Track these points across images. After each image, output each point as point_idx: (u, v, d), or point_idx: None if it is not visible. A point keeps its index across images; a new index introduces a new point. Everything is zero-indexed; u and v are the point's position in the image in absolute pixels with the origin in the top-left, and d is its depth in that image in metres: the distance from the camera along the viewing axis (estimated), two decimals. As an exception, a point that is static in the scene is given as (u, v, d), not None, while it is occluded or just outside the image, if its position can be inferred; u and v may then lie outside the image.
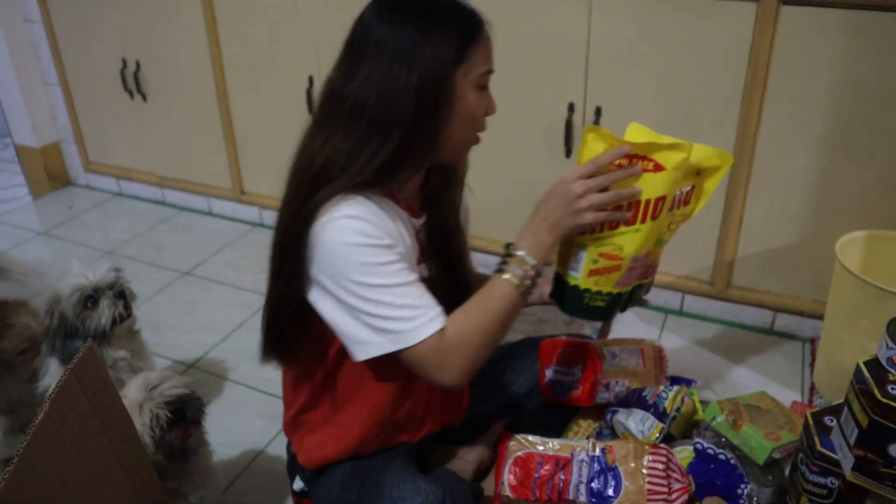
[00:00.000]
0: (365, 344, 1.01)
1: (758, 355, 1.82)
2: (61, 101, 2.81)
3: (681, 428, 1.37)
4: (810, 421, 1.16)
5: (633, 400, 1.35)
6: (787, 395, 1.64)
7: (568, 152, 1.89)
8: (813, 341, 1.84)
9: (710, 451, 1.29)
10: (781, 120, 1.66)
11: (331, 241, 0.98)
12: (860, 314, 1.46)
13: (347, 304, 1.00)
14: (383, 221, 1.02)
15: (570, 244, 1.07)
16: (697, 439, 1.32)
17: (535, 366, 1.52)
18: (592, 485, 1.19)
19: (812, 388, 1.67)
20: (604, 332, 1.89)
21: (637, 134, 1.08)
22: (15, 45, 2.69)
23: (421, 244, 1.16)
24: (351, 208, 0.99)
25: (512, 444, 1.27)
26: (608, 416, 1.37)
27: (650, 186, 1.02)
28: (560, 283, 1.10)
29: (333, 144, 1.02)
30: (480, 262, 1.97)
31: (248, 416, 1.68)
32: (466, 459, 1.36)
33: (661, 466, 1.19)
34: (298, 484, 1.30)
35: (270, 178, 2.51)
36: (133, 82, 2.57)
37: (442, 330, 0.99)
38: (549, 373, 1.48)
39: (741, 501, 1.22)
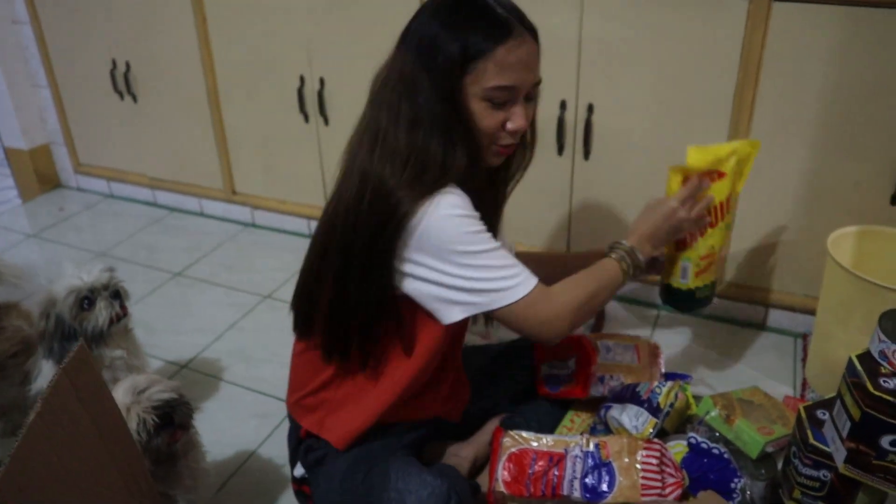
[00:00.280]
0: (466, 305, 1.08)
1: (750, 351, 1.83)
2: (51, 103, 2.80)
3: (674, 423, 1.38)
4: (803, 415, 1.17)
5: (627, 395, 1.36)
6: (780, 390, 1.65)
7: (560, 149, 1.89)
8: (805, 336, 1.84)
9: (703, 446, 1.29)
10: (773, 117, 1.67)
11: (434, 216, 1.04)
12: (852, 309, 1.47)
13: (450, 274, 1.06)
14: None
15: (674, 260, 1.37)
16: (691, 434, 1.32)
17: (531, 363, 1.52)
18: (586, 480, 1.19)
19: (804, 383, 1.68)
20: (597, 326, 1.90)
21: (697, 154, 1.30)
22: (3, 46, 2.67)
23: None
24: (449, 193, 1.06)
25: (506, 440, 1.28)
26: (602, 412, 1.37)
27: (719, 191, 1.31)
28: (670, 290, 1.40)
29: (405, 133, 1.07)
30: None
31: (242, 416, 1.67)
32: (461, 456, 1.36)
33: (654, 461, 1.20)
34: (300, 470, 1.30)
35: (262, 178, 2.50)
36: (123, 83, 2.56)
37: (542, 284, 1.10)
38: (544, 368, 1.49)
39: (734, 495, 1.23)
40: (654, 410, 1.29)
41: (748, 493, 1.24)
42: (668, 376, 1.53)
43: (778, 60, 1.61)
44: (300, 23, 2.13)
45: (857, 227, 1.59)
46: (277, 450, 1.56)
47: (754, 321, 1.93)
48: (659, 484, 1.18)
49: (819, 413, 1.16)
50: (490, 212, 1.20)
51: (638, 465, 1.20)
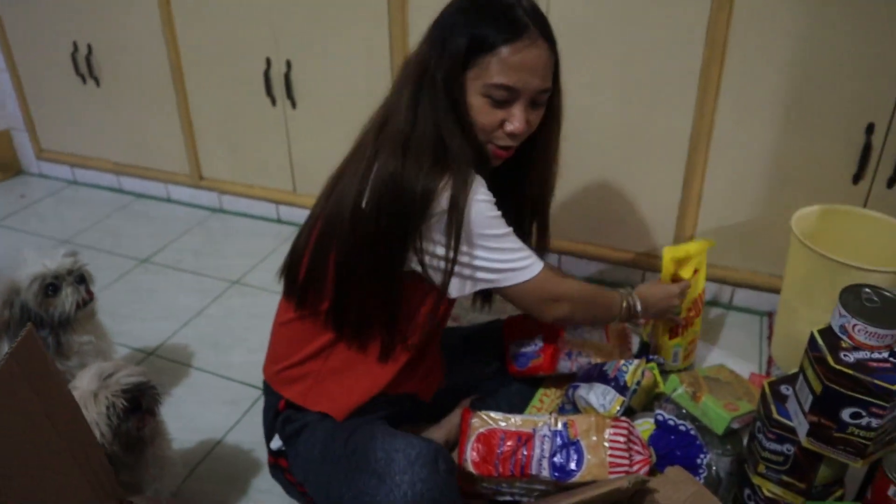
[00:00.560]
0: (480, 281, 1.16)
1: (717, 329, 1.85)
2: (10, 88, 2.73)
3: (642, 401, 1.39)
4: (767, 390, 1.18)
5: (595, 375, 1.36)
6: (746, 368, 1.67)
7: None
8: (770, 315, 1.87)
9: (670, 423, 1.31)
10: (738, 97, 1.68)
11: (468, 201, 1.08)
12: (815, 286, 1.49)
13: (472, 255, 1.13)
14: None
15: (667, 347, 1.59)
16: (658, 411, 1.34)
17: (500, 344, 1.53)
18: (555, 459, 1.19)
19: (770, 360, 1.70)
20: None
21: (672, 253, 1.51)
22: (-40, 29, 2.60)
23: None
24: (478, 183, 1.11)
25: (474, 420, 1.28)
26: (570, 392, 1.38)
27: (697, 285, 1.56)
28: (663, 372, 1.48)
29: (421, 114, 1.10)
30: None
31: (211, 402, 1.66)
32: (433, 437, 1.36)
33: (622, 439, 1.21)
34: (277, 443, 1.29)
35: (229, 162, 2.47)
36: (85, 67, 2.50)
37: (550, 267, 1.21)
38: (512, 347, 1.49)
39: (701, 471, 1.24)
40: (622, 389, 1.30)
41: (714, 468, 1.26)
42: (638, 356, 1.54)
43: (743, 41, 1.62)
44: (266, 4, 2.09)
45: (820, 206, 1.61)
46: (247, 435, 1.55)
47: (721, 300, 1.95)
48: (626, 461, 1.19)
49: (783, 388, 1.18)
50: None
51: (606, 444, 1.21)
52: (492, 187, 1.14)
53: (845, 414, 1.01)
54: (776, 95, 1.64)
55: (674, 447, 1.27)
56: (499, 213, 1.13)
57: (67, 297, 1.44)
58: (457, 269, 1.13)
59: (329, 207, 1.16)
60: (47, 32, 2.52)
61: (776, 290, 1.75)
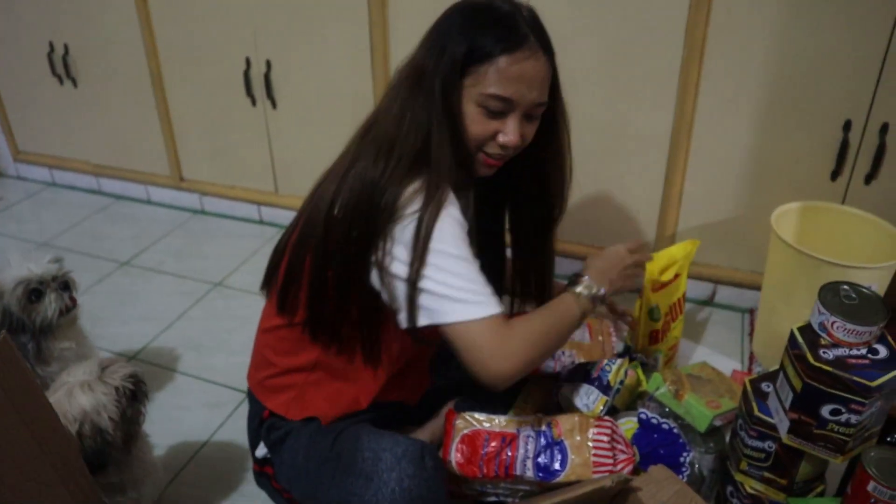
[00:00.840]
0: (423, 309, 1.02)
1: (699, 327, 1.86)
2: (-14, 89, 2.70)
3: (625, 400, 1.39)
4: (748, 387, 1.19)
5: (578, 374, 1.37)
6: (728, 365, 1.68)
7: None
8: (752, 311, 1.88)
9: (653, 421, 1.31)
10: (718, 95, 1.69)
11: (428, 214, 1.01)
12: (795, 283, 1.50)
13: (421, 275, 1.01)
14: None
15: (648, 352, 1.54)
16: (641, 410, 1.34)
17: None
18: (539, 459, 1.20)
19: (751, 357, 1.71)
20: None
21: (655, 260, 1.45)
22: (-67, 29, 2.56)
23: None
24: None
25: (459, 422, 1.28)
26: (553, 391, 1.38)
27: (679, 288, 1.55)
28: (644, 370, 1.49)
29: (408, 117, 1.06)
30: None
31: (194, 406, 1.64)
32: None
33: (605, 438, 1.21)
34: (262, 450, 1.28)
35: (210, 163, 2.45)
36: (62, 67, 2.47)
37: (505, 315, 1.03)
38: (496, 350, 1.48)
39: (684, 469, 1.25)
40: (605, 388, 1.30)
41: (697, 466, 1.26)
42: (621, 355, 1.55)
43: (722, 39, 1.62)
44: (245, 3, 2.08)
45: (800, 203, 1.62)
46: (231, 438, 1.54)
47: (703, 297, 1.96)
48: (611, 461, 1.19)
49: (763, 386, 1.18)
50: (480, 234, 1.18)
51: (590, 443, 1.21)
52: (486, 208, 1.12)
53: (825, 410, 1.02)
54: (755, 93, 1.65)
55: (657, 445, 1.28)
56: (465, 236, 1.05)
57: (51, 304, 1.43)
58: (404, 289, 1.03)
59: (308, 210, 1.14)
60: (23, 32, 2.49)
61: (757, 287, 1.77)
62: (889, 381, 0.98)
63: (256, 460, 1.32)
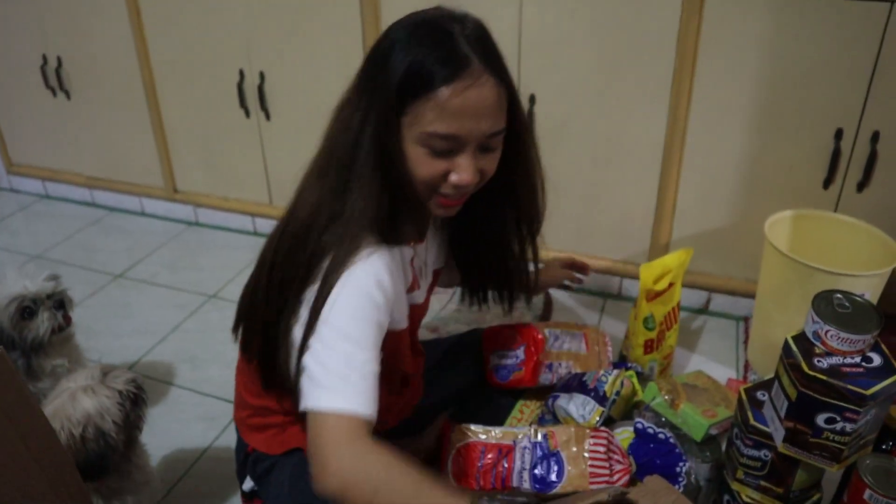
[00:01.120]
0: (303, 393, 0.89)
1: (694, 335, 1.86)
2: (-21, 101, 2.69)
3: (621, 410, 1.39)
4: (744, 396, 1.19)
5: (574, 385, 1.37)
6: (723, 373, 1.68)
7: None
8: (746, 320, 1.89)
9: (649, 431, 1.31)
10: (710, 104, 1.70)
11: (344, 278, 0.91)
12: (789, 291, 1.50)
13: (307, 346, 0.91)
14: (395, 277, 0.98)
15: (642, 362, 1.55)
16: (638, 419, 1.34)
17: (479, 355, 1.52)
18: (535, 471, 1.19)
19: (746, 365, 1.72)
20: (545, 315, 1.91)
21: (649, 269, 1.52)
22: (-74, 42, 2.55)
23: (415, 271, 1.14)
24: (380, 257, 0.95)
25: (454, 434, 1.27)
26: (549, 402, 1.38)
27: (674, 297, 1.57)
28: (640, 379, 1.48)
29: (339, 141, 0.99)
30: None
31: (188, 419, 1.64)
32: (409, 449, 1.35)
33: (602, 449, 1.21)
34: (248, 484, 1.27)
35: (204, 175, 2.45)
36: (55, 79, 2.47)
37: (367, 426, 0.85)
38: (492, 359, 1.49)
39: (680, 479, 1.25)
40: (601, 399, 1.30)
41: (693, 476, 1.26)
42: (617, 365, 1.55)
43: (713, 48, 1.63)
44: (238, 15, 2.08)
45: (793, 211, 1.63)
46: (226, 452, 1.53)
47: (697, 306, 1.96)
48: (607, 471, 1.19)
49: (759, 394, 1.19)
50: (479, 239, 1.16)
51: (586, 454, 1.21)
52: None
53: (820, 419, 1.02)
54: (748, 101, 1.66)
55: (653, 455, 1.28)
56: (372, 315, 0.91)
57: (43, 322, 1.42)
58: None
59: (262, 248, 1.09)
60: (15, 44, 2.49)
61: (752, 295, 1.77)
62: (883, 389, 0.99)
63: (244, 494, 1.30)
